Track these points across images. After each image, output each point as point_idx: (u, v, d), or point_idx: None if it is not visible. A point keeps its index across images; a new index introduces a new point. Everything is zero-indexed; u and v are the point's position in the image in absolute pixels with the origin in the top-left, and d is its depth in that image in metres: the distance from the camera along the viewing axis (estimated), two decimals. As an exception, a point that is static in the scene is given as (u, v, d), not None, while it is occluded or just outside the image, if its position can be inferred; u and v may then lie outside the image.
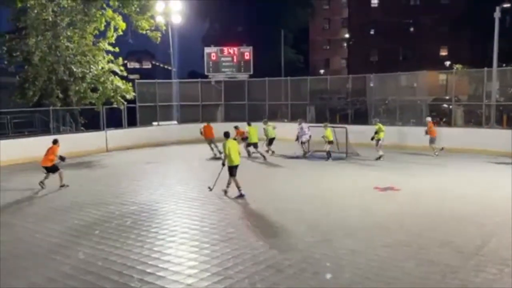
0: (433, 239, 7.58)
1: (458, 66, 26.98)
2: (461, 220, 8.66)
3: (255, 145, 17.09)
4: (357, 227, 8.33)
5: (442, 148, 16.85)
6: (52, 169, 12.15)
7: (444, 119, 21.51)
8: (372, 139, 16.57)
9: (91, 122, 21.37)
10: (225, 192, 10.97)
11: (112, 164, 16.89)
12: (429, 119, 17.74)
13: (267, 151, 17.45)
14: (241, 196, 10.74)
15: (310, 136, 17.45)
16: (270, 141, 17.82)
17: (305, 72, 35.18)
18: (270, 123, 18.46)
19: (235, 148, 10.93)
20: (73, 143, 18.42)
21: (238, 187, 10.81)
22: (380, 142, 16.36)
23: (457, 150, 17.29)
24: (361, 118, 21.85)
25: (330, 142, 16.48)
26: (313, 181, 13.08)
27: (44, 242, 7.88)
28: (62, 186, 12.17)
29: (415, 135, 18.58)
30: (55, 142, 12.54)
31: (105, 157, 18.48)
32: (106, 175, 14.78)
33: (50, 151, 12.23)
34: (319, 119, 21.50)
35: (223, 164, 10.94)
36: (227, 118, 24.46)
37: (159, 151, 19.89)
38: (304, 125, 17.80)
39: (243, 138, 17.48)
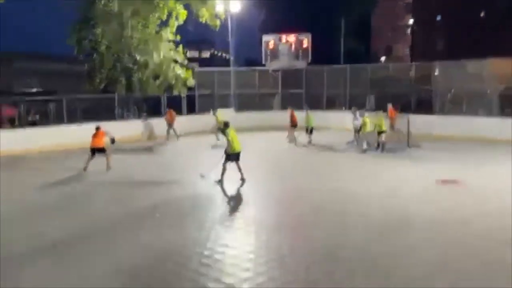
0: (500, 238, 7.09)
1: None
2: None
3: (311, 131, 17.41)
4: (418, 222, 7.98)
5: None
6: (103, 150, 12.73)
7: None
8: (359, 131, 16.33)
9: (152, 109, 22.10)
10: (220, 181, 10.82)
11: (173, 149, 17.42)
12: (389, 105, 18.92)
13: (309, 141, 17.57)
14: (243, 180, 10.77)
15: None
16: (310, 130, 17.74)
17: (365, 60, 34.16)
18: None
19: (236, 136, 11.12)
20: (135, 129, 19.21)
21: (241, 172, 10.92)
22: (363, 134, 15.96)
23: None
24: (425, 107, 20.92)
25: (383, 133, 15.46)
26: (371, 172, 12.72)
27: (109, 223, 8.28)
28: (109, 169, 12.70)
29: (483, 126, 17.55)
30: (98, 128, 13.00)
31: (166, 142, 19.07)
32: (167, 160, 15.26)
33: (99, 134, 12.80)
34: (379, 108, 20.85)
35: (226, 153, 10.96)
36: (284, 107, 24.35)
37: (215, 138, 20.18)
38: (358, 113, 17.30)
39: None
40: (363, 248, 6.71)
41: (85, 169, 12.55)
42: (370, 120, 15.95)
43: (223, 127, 11.27)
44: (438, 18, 44.85)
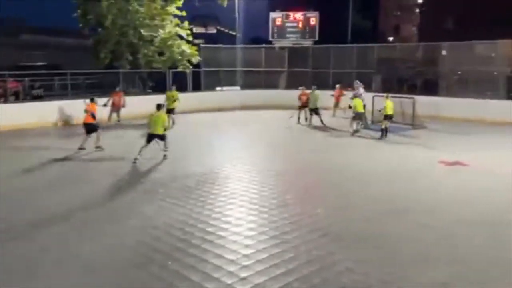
0: (506, 217, 7.17)
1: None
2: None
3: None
4: (423, 202, 8.07)
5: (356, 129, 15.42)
6: (92, 127, 12.21)
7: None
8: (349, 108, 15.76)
9: (158, 85, 22.06)
10: (135, 159, 10.91)
11: (178, 126, 17.44)
12: (337, 86, 19.49)
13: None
14: (135, 160, 10.86)
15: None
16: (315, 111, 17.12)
17: (372, 39, 33.69)
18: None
19: (156, 121, 11.14)
20: (140, 104, 19.19)
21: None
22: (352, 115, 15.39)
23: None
24: (432, 89, 20.76)
25: (389, 117, 14.60)
26: (376, 153, 12.76)
27: (113, 199, 8.40)
28: (97, 147, 12.25)
29: (490, 108, 17.46)
30: (92, 100, 12.67)
31: (170, 119, 19.05)
32: (171, 137, 15.29)
33: (88, 109, 12.39)
34: (385, 89, 20.72)
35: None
36: (290, 86, 24.23)
37: (222, 115, 20.23)
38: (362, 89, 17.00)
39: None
40: (366, 227, 6.80)
41: (81, 147, 12.15)
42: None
43: (156, 109, 11.41)
44: (449, -3, 43.94)
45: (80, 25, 20.04)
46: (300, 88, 18.09)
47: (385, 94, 15.44)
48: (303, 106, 17.50)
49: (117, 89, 17.93)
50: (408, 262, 5.64)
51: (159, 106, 11.50)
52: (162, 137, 11.30)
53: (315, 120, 16.94)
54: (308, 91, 17.47)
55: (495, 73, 20.23)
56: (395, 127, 15.64)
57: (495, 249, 6.06)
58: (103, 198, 8.33)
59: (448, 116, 17.88)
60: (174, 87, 17.98)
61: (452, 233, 6.59)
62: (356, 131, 15.26)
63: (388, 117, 14.55)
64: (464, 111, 17.73)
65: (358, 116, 15.36)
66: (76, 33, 25.69)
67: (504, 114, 16.95)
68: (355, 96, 15.99)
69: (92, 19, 19.76)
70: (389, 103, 14.61)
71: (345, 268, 5.47)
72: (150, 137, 11.22)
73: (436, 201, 8.11)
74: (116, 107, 17.17)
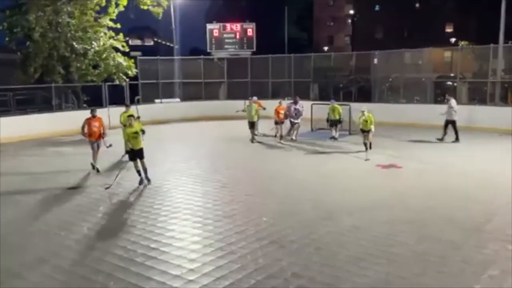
0: (435, 216, 7.60)
1: (464, 42, 26.57)
2: (464, 198, 8.66)
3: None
4: (360, 205, 8.34)
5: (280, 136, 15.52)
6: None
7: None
8: (327, 121, 16.12)
9: (93, 100, 21.28)
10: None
11: (116, 141, 16.87)
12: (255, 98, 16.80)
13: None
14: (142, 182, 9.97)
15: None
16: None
17: (308, 50, 34.84)
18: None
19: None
20: (75, 120, 18.40)
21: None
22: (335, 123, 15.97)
23: (461, 128, 17.12)
24: (365, 95, 21.69)
25: (337, 123, 15.77)
26: (315, 159, 13.08)
27: (51, 219, 7.95)
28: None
29: (418, 113, 18.48)
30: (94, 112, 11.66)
31: (108, 134, 18.41)
32: (110, 152, 14.77)
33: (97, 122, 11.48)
34: (322, 97, 21.36)
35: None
36: (230, 96, 24.32)
37: (161, 128, 19.84)
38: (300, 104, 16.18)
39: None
40: (310, 232, 6.90)
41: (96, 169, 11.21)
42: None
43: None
44: (377, 8, 46.48)
45: (7, 38, 18.95)
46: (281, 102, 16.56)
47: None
48: (280, 121, 15.67)
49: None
50: (348, 264, 5.79)
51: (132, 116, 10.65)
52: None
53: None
54: (284, 105, 16.08)
55: (423, 79, 21.53)
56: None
57: (423, 245, 6.37)
58: (35, 215, 7.87)
59: (383, 121, 18.68)
60: (130, 107, 14.16)
61: (387, 233, 6.84)
62: (334, 138, 15.82)
63: (336, 124, 15.81)
64: (396, 116, 18.61)
65: (333, 123, 15.92)
66: (2, 47, 24.22)
67: (432, 117, 18.02)
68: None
69: (20, 32, 18.78)
70: (337, 108, 15.98)
71: (292, 274, 5.51)
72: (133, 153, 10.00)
73: (373, 203, 8.40)
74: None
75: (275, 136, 15.80)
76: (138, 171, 9.95)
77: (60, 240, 6.86)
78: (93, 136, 11.43)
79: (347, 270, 5.60)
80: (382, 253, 6.11)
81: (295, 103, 16.18)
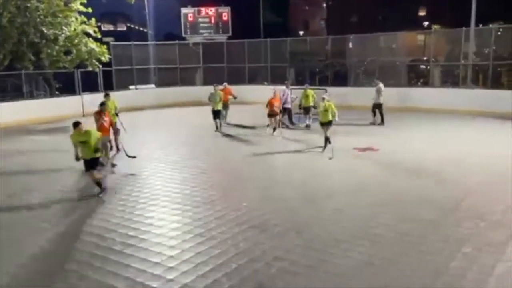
0: (413, 196, 7.76)
1: (436, 26, 26.90)
2: (440, 179, 8.85)
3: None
4: (340, 188, 8.46)
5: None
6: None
7: (421, 80, 21.75)
8: (300, 107, 15.76)
9: (66, 87, 20.74)
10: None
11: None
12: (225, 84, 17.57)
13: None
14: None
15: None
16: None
17: (284, 34, 34.56)
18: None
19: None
20: (47, 108, 17.98)
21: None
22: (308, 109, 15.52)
23: (434, 110, 17.51)
24: (341, 80, 21.80)
25: (309, 110, 15.30)
26: (292, 144, 13.10)
27: (27, 208, 7.76)
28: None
29: (393, 96, 18.69)
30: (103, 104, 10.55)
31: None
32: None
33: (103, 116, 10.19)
34: (298, 82, 21.35)
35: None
36: (206, 82, 24.07)
37: (137, 115, 19.51)
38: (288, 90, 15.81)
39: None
40: (291, 216, 6.95)
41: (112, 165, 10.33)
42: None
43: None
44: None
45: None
46: (271, 87, 15.60)
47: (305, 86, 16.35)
48: (275, 114, 14.08)
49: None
50: (331, 246, 5.85)
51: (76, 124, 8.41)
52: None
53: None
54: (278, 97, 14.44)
55: (397, 63, 21.75)
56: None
57: (404, 225, 6.50)
58: (20, 207, 7.68)
59: (358, 105, 18.85)
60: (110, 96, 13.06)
61: (369, 215, 6.95)
62: (307, 126, 15.34)
63: (307, 109, 15.48)
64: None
65: (306, 111, 15.60)
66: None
67: (405, 100, 18.36)
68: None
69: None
70: (310, 92, 15.66)
71: (274, 257, 5.54)
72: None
73: (353, 186, 8.52)
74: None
75: (267, 126, 14.23)
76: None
77: (33, 226, 6.71)
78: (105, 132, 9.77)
79: (330, 253, 5.66)
80: (364, 234, 6.20)
81: (287, 87, 15.97)
